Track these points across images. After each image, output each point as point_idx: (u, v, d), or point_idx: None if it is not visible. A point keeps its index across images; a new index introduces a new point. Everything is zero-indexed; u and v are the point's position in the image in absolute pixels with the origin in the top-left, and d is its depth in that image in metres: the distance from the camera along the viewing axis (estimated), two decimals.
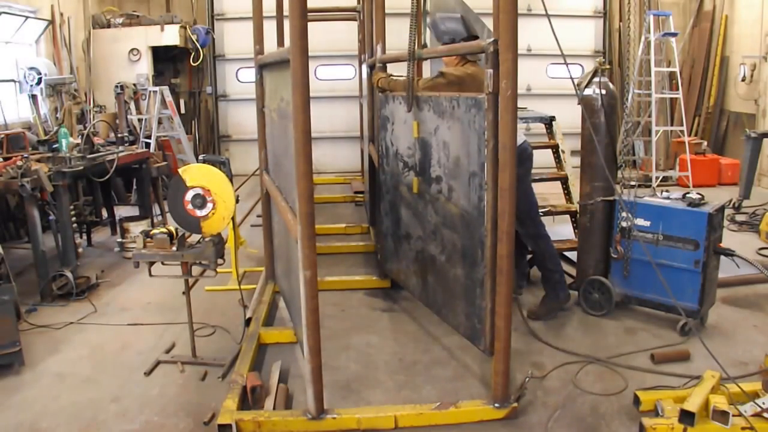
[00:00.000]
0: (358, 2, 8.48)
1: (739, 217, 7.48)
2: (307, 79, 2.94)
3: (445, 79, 4.13)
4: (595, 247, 4.76)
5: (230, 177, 4.54)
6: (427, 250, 4.32)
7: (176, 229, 3.94)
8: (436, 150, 4.04)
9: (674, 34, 9.18)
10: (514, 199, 3.19)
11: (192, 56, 10.74)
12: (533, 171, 6.41)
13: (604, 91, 4.57)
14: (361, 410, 3.36)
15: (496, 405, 3.35)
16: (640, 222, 4.47)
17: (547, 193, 7.59)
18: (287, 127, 3.38)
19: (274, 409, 3.39)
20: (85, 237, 6.78)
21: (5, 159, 5.65)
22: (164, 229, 3.91)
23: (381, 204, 5.03)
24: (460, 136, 3.69)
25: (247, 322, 4.43)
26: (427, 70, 5.70)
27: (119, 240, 6.41)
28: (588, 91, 4.62)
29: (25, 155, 5.51)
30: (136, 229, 5.86)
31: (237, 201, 4.10)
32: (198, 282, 5.02)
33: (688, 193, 4.49)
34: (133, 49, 10.18)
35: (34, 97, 7.91)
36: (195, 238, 3.97)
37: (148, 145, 8.74)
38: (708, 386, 3.04)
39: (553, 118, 6.31)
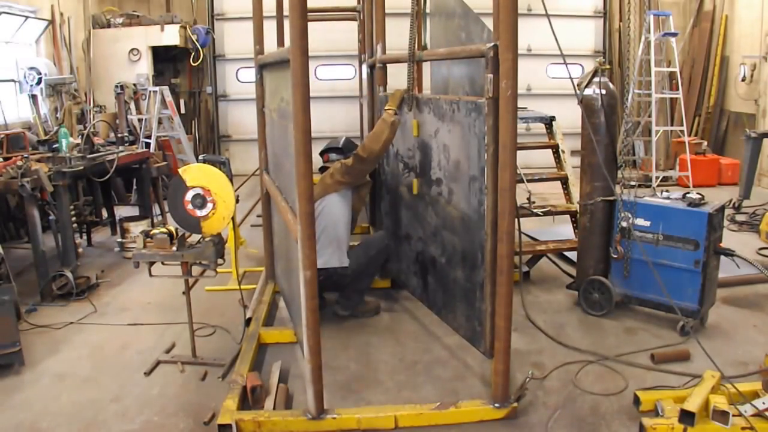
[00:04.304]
0: (358, 2, 8.47)
1: (739, 217, 7.48)
2: (307, 79, 2.95)
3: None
4: (595, 247, 4.76)
5: (230, 177, 4.54)
6: (428, 251, 4.32)
7: (176, 229, 3.94)
8: (437, 152, 4.04)
9: (674, 34, 9.18)
10: (514, 199, 3.19)
11: (192, 56, 10.74)
12: (533, 171, 6.48)
13: (604, 91, 4.57)
14: (361, 410, 3.36)
15: (496, 405, 3.35)
16: (640, 222, 4.47)
17: (547, 193, 7.61)
18: (287, 127, 3.38)
19: (274, 409, 3.39)
20: (85, 237, 6.78)
21: (5, 159, 5.65)
22: (164, 229, 3.91)
23: (381, 204, 5.04)
24: (461, 139, 3.69)
25: (247, 322, 4.43)
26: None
27: (119, 240, 6.39)
28: (588, 91, 4.61)
29: (25, 155, 5.52)
30: (136, 229, 5.85)
31: (237, 201, 4.10)
32: (198, 282, 5.02)
33: (688, 193, 4.50)
34: (133, 49, 10.19)
35: (34, 97, 7.92)
36: (195, 238, 3.97)
37: (148, 145, 8.74)
38: (708, 386, 3.04)
39: (553, 118, 6.31)
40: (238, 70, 11.39)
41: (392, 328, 4.59)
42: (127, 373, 3.93)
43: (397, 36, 5.35)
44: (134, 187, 7.88)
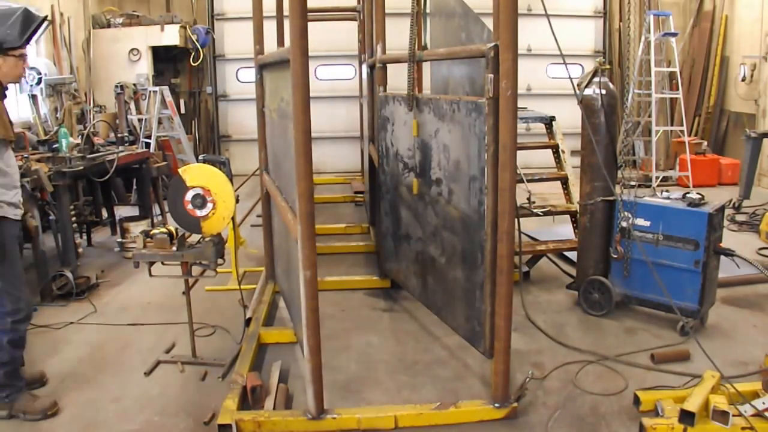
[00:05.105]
0: (358, 2, 8.48)
1: (739, 217, 7.48)
2: (307, 79, 2.95)
3: None
4: (595, 247, 4.76)
5: (230, 177, 4.54)
6: (427, 251, 4.32)
7: (176, 229, 3.94)
8: (437, 152, 4.04)
9: (674, 34, 9.18)
10: (514, 199, 3.19)
11: (192, 56, 10.74)
12: (533, 171, 6.48)
13: (604, 91, 4.58)
14: (361, 410, 3.36)
15: (496, 405, 3.35)
16: (640, 222, 4.47)
17: (547, 193, 7.62)
18: (287, 127, 3.38)
19: (274, 409, 3.39)
20: (85, 237, 6.78)
21: None
22: (164, 229, 3.91)
23: (381, 204, 5.04)
24: (461, 139, 3.68)
25: (247, 322, 4.43)
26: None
27: (119, 240, 6.43)
28: (588, 91, 4.62)
29: (25, 155, 5.51)
30: (136, 229, 5.87)
31: (237, 201, 4.10)
32: (198, 282, 5.02)
33: (688, 193, 4.50)
34: (133, 49, 10.19)
35: (34, 97, 7.90)
36: (195, 238, 3.97)
37: (148, 145, 8.74)
38: (708, 386, 3.04)
39: (553, 118, 6.32)
40: (238, 70, 11.39)
41: (392, 328, 4.59)
42: (127, 373, 3.93)
43: (397, 36, 5.35)
44: (134, 187, 7.88)
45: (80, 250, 6.14)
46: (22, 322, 3.46)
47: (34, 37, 3.70)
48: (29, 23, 3.48)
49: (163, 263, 3.91)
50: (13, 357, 3.45)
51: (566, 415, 3.39)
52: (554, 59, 10.63)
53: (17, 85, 8.02)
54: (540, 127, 6.89)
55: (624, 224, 4.52)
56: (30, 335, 4.43)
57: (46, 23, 3.68)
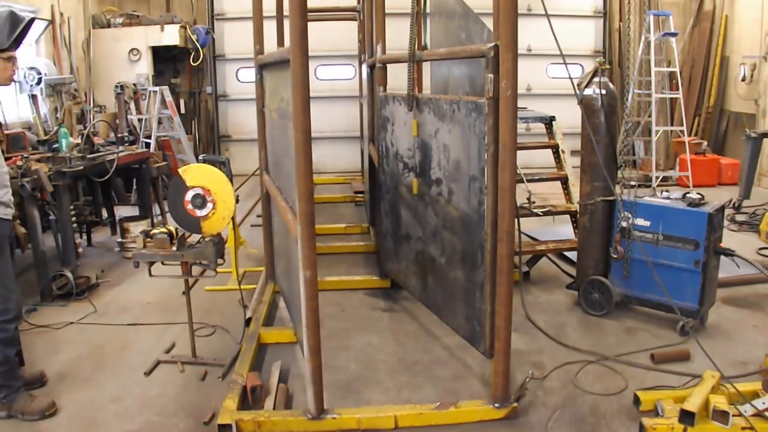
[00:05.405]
0: (358, 2, 8.48)
1: (739, 217, 7.48)
2: (307, 79, 2.95)
3: None
4: (595, 247, 4.76)
5: (230, 177, 4.54)
6: (427, 251, 4.32)
7: (176, 229, 3.94)
8: (437, 152, 4.04)
9: (674, 34, 9.18)
10: (514, 199, 3.19)
11: (192, 56, 10.75)
12: (533, 171, 6.48)
13: (604, 91, 4.58)
14: (361, 410, 3.36)
15: (496, 405, 3.35)
16: (640, 222, 4.47)
17: (547, 193, 7.62)
18: (287, 127, 3.38)
19: (274, 409, 3.39)
20: (85, 237, 6.78)
21: (5, 159, 5.63)
22: (164, 229, 3.91)
23: (381, 204, 5.04)
24: (461, 139, 3.68)
25: (247, 322, 4.43)
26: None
27: (119, 240, 6.44)
28: (588, 91, 4.62)
29: (25, 155, 5.51)
30: (136, 229, 5.87)
31: (237, 201, 4.10)
32: (198, 282, 5.03)
33: (688, 193, 4.50)
34: (133, 49, 10.19)
35: (34, 97, 7.90)
36: (195, 238, 3.97)
37: (148, 145, 8.74)
38: (708, 386, 3.05)
39: (553, 118, 6.32)
40: (238, 70, 11.40)
41: (392, 328, 4.59)
42: (127, 373, 3.93)
43: (397, 36, 5.35)
44: (134, 187, 7.88)
45: (80, 250, 6.14)
46: (12, 322, 3.46)
47: (24, 39, 3.68)
48: (16, 25, 3.47)
49: (163, 263, 3.91)
50: (7, 357, 3.44)
51: (566, 415, 3.39)
52: (554, 59, 10.62)
53: (17, 85, 8.05)
54: (540, 127, 6.89)
55: (624, 224, 4.52)
56: (30, 335, 4.46)
57: (34, 23, 3.65)
